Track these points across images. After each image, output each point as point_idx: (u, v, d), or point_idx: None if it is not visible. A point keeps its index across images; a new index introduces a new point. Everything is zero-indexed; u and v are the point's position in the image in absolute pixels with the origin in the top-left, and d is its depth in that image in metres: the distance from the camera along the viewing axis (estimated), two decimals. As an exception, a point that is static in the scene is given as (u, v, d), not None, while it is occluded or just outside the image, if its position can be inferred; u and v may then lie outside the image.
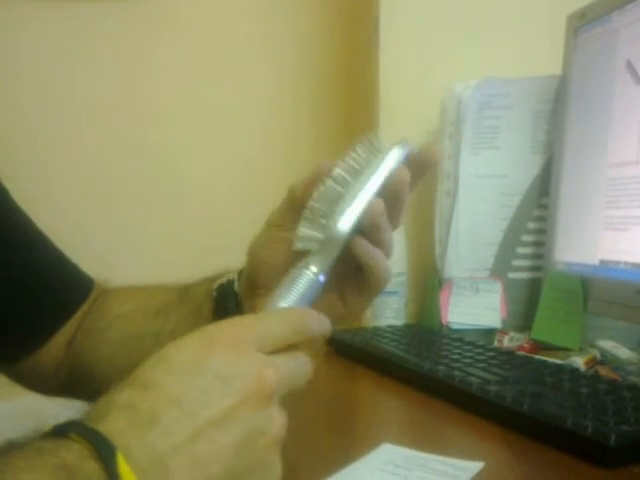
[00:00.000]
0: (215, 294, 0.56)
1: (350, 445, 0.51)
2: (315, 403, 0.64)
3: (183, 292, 0.59)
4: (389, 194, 0.47)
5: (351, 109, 1.23)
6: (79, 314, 0.64)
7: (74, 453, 0.31)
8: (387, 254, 0.48)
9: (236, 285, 0.55)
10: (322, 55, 1.25)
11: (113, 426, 0.32)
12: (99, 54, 1.21)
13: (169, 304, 0.59)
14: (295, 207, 0.49)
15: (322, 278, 0.46)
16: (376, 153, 0.48)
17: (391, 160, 0.47)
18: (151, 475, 0.32)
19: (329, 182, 0.48)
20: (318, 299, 0.45)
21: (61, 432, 0.32)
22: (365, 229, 0.46)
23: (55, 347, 0.63)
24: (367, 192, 0.46)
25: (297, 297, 0.44)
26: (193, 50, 1.23)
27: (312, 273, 0.45)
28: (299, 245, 0.47)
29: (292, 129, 1.25)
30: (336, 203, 0.47)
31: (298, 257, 0.47)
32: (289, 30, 1.25)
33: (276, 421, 0.37)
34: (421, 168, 0.49)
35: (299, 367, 0.40)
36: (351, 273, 0.49)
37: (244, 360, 0.36)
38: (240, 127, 1.25)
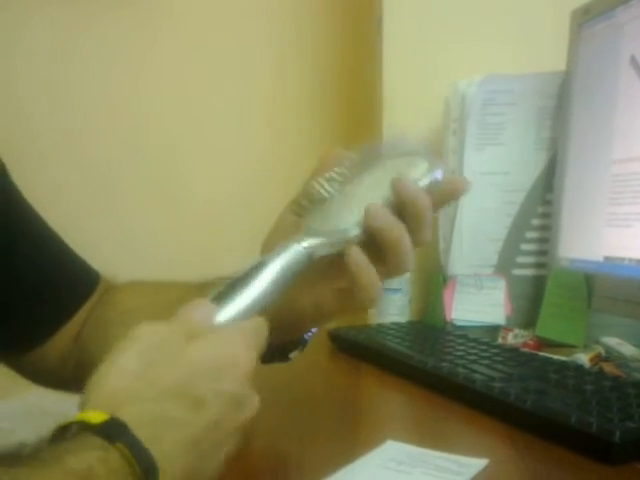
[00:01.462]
0: None
1: (354, 442, 0.51)
2: (319, 400, 0.64)
3: (199, 287, 0.59)
4: (410, 215, 0.46)
5: (355, 107, 1.22)
6: (86, 308, 0.64)
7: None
8: (399, 272, 0.48)
9: None
10: (325, 53, 1.24)
11: (165, 447, 0.34)
12: (102, 52, 1.21)
13: (181, 299, 0.59)
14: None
15: (309, 260, 0.46)
16: (411, 164, 0.48)
17: (425, 181, 0.47)
18: None
19: (352, 176, 0.48)
20: (299, 277, 0.46)
21: (109, 438, 0.32)
22: (378, 246, 0.46)
23: (61, 340, 0.63)
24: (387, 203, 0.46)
25: (282, 270, 0.45)
26: (196, 49, 1.23)
27: (302, 249, 0.46)
28: (305, 225, 0.47)
29: (295, 127, 1.25)
30: (353, 203, 0.47)
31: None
32: (292, 29, 1.24)
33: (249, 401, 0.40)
34: (446, 196, 0.49)
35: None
36: (334, 276, 0.49)
37: (249, 387, 0.40)
38: (243, 125, 1.25)
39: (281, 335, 0.53)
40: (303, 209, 0.49)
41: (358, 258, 0.46)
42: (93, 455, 0.31)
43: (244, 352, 0.41)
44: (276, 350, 0.55)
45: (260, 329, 0.43)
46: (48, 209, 0.65)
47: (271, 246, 0.50)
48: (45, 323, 0.62)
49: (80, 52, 1.20)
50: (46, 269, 0.63)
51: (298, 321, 0.54)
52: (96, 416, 0.33)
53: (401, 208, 0.46)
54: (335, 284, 0.49)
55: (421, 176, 0.47)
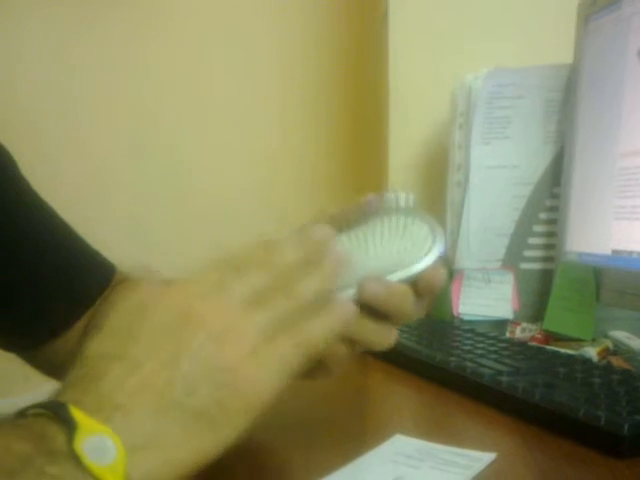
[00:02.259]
0: None
1: (362, 436, 0.52)
2: (326, 394, 0.64)
3: None
4: (420, 289, 0.45)
5: (361, 102, 1.22)
6: (100, 300, 0.64)
7: (27, 418, 0.32)
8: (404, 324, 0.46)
9: None
10: (331, 48, 1.24)
11: (69, 380, 0.33)
12: (108, 48, 1.21)
13: None
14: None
15: None
16: (415, 236, 0.46)
17: (432, 259, 0.45)
18: (102, 414, 0.32)
19: (351, 240, 0.45)
20: None
21: (23, 412, 0.33)
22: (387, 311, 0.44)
23: (77, 333, 0.63)
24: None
25: None
26: (201, 44, 1.23)
27: None
28: None
29: (301, 121, 1.25)
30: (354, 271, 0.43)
31: None
32: (297, 23, 1.24)
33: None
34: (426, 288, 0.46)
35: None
36: None
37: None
38: (249, 119, 1.25)
39: None
40: None
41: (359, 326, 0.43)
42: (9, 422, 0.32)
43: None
44: None
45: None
46: (52, 204, 0.65)
47: None
48: (60, 316, 0.62)
49: (86, 47, 1.21)
50: (60, 261, 0.63)
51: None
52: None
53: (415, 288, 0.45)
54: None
55: (427, 250, 0.46)
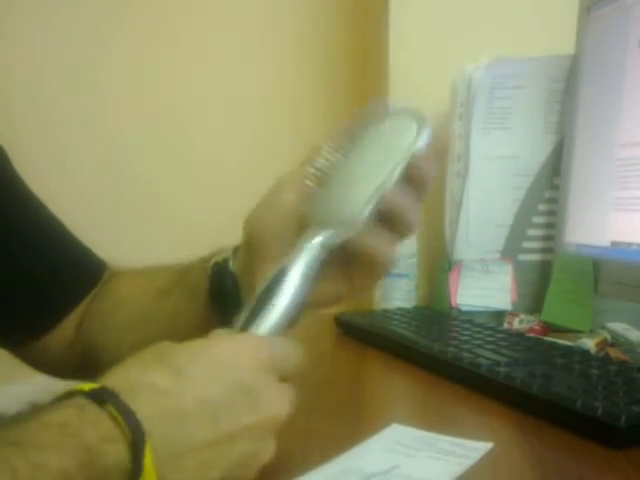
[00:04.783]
0: (210, 272, 0.54)
1: (360, 425, 0.52)
2: (325, 384, 0.65)
3: (180, 274, 0.59)
4: (414, 179, 0.46)
5: (360, 89, 1.22)
6: (90, 296, 0.64)
7: (99, 432, 0.32)
8: (410, 233, 0.47)
9: (231, 264, 0.54)
10: (331, 36, 1.24)
11: (144, 410, 0.33)
12: (115, 44, 1.21)
13: (167, 287, 0.59)
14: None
15: (327, 254, 0.45)
16: (401, 129, 0.47)
17: (420, 144, 0.46)
18: (165, 469, 0.33)
19: (346, 152, 0.47)
20: (321, 274, 0.45)
21: (97, 400, 0.33)
22: (385, 214, 0.46)
23: (67, 329, 0.63)
24: (391, 178, 0.45)
25: (304, 273, 0.44)
26: (198, 28, 1.23)
27: (319, 247, 0.45)
28: (306, 209, 0.46)
29: (300, 107, 1.25)
30: (354, 182, 0.46)
31: (299, 226, 0.47)
32: (297, 12, 1.24)
33: (272, 449, 0.39)
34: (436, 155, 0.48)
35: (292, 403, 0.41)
36: (347, 259, 0.48)
37: (270, 384, 0.38)
38: (249, 107, 1.25)
39: None
40: (306, 195, 0.48)
41: (371, 236, 0.46)
42: (70, 411, 0.32)
43: (261, 349, 0.39)
44: None
45: (289, 345, 0.42)
46: (58, 189, 0.65)
47: (258, 223, 0.49)
48: (50, 312, 0.62)
49: (94, 42, 1.20)
50: (51, 258, 0.63)
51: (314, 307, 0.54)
52: (89, 385, 0.34)
53: (409, 180, 0.46)
54: (350, 266, 0.48)
55: (414, 140, 0.46)
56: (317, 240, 0.45)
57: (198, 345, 0.38)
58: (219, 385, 0.36)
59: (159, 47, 1.23)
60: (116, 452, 0.32)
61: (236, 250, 0.54)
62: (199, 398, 0.35)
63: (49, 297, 0.62)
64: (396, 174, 0.46)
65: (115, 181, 1.23)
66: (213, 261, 0.55)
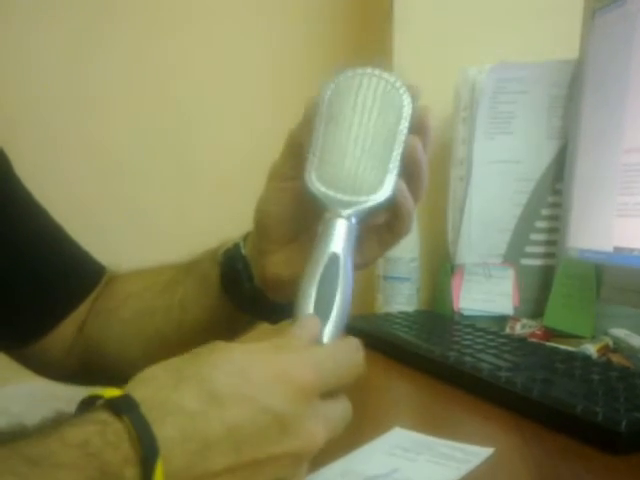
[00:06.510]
0: (221, 259, 0.54)
1: (361, 428, 0.52)
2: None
3: (189, 265, 0.59)
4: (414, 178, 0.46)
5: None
6: (90, 300, 0.64)
7: (120, 455, 0.31)
8: (420, 197, 0.47)
9: (243, 248, 0.54)
10: (335, 41, 1.24)
11: (167, 432, 0.32)
12: (110, 36, 1.21)
13: (175, 279, 0.59)
14: (296, 153, 0.48)
15: (358, 226, 0.44)
16: (391, 94, 0.47)
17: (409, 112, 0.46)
18: None
19: (340, 123, 0.46)
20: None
21: (116, 410, 0.32)
22: (405, 175, 0.45)
23: (65, 332, 0.63)
24: (401, 137, 0.44)
25: (346, 246, 0.42)
26: (199, 23, 1.23)
27: (346, 219, 0.43)
28: (318, 189, 0.44)
29: (300, 108, 1.25)
30: (365, 150, 0.45)
31: (308, 205, 0.46)
32: (300, 15, 1.24)
33: (302, 476, 0.36)
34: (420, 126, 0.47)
35: (345, 417, 0.38)
36: (378, 220, 0.47)
37: (306, 410, 0.35)
38: (249, 107, 1.24)
39: (286, 295, 0.51)
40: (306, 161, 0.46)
41: (405, 195, 0.45)
42: (91, 429, 0.31)
43: (305, 372, 0.36)
44: (280, 307, 0.54)
45: (350, 351, 0.39)
46: (56, 192, 0.65)
47: (265, 209, 0.50)
48: (48, 314, 0.62)
49: (90, 43, 1.21)
50: (50, 260, 0.63)
51: None
52: (112, 391, 0.33)
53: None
54: (376, 228, 0.48)
55: (407, 107, 0.46)
56: (346, 214, 0.43)
57: (240, 362, 0.35)
58: (249, 412, 0.34)
59: (159, 47, 1.23)
60: (133, 474, 0.31)
61: (246, 236, 0.54)
62: (226, 425, 0.33)
63: (47, 299, 0.62)
64: (405, 132, 0.45)
65: (113, 183, 1.23)
66: (224, 248, 0.55)
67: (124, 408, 0.32)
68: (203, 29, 1.23)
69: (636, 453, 0.46)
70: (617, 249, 0.76)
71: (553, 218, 0.93)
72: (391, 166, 0.44)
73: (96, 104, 1.22)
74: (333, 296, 0.40)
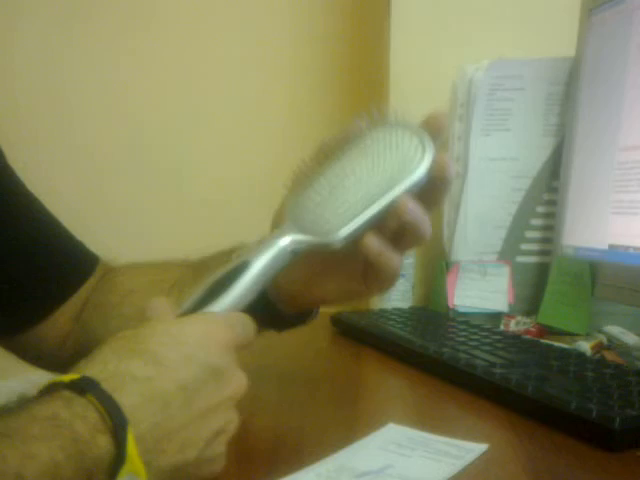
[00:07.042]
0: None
1: (355, 424, 0.52)
2: (321, 384, 0.65)
3: (197, 266, 0.59)
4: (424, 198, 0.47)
5: (361, 91, 1.22)
6: (85, 289, 0.64)
7: (89, 425, 0.33)
8: (418, 244, 0.48)
9: None
10: (332, 38, 1.23)
11: (129, 400, 0.34)
12: (102, 39, 1.20)
13: (182, 279, 0.59)
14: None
15: (293, 254, 0.46)
16: (402, 148, 0.46)
17: (422, 171, 0.45)
18: (150, 455, 0.35)
19: (341, 158, 0.46)
20: (284, 269, 0.46)
21: (79, 391, 0.34)
22: (390, 225, 0.46)
23: (60, 321, 0.63)
24: (382, 205, 0.44)
25: (266, 270, 0.45)
26: (202, 32, 1.22)
27: (286, 249, 0.45)
28: (289, 217, 0.46)
29: (300, 109, 1.24)
30: (344, 194, 0.45)
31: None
32: (297, 15, 1.23)
33: (237, 421, 0.41)
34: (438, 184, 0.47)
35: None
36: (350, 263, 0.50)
37: (231, 362, 0.41)
38: (248, 115, 1.24)
39: (296, 308, 0.55)
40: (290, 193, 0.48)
41: (374, 245, 0.46)
42: (59, 403, 0.33)
43: (224, 330, 0.41)
44: (289, 318, 0.56)
45: (246, 320, 0.44)
46: (47, 198, 0.65)
47: (282, 215, 0.50)
48: (42, 302, 0.63)
49: (84, 40, 1.20)
50: (44, 249, 0.63)
51: (313, 304, 0.56)
52: (70, 376, 0.35)
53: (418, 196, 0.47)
54: (351, 271, 0.50)
55: (416, 166, 0.45)
56: (287, 241, 0.45)
57: (165, 330, 0.40)
58: (193, 368, 0.38)
59: (159, 46, 1.22)
60: (105, 442, 0.33)
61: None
62: (178, 383, 0.37)
63: (41, 286, 0.62)
64: (389, 202, 0.45)
65: (101, 185, 1.23)
66: (237, 254, 0.55)
67: (85, 387, 0.34)
68: (193, 25, 1.23)
69: (630, 450, 0.46)
70: (612, 247, 0.76)
71: (549, 216, 0.93)
72: (346, 229, 0.45)
73: (88, 111, 1.21)
74: (228, 289, 0.44)
